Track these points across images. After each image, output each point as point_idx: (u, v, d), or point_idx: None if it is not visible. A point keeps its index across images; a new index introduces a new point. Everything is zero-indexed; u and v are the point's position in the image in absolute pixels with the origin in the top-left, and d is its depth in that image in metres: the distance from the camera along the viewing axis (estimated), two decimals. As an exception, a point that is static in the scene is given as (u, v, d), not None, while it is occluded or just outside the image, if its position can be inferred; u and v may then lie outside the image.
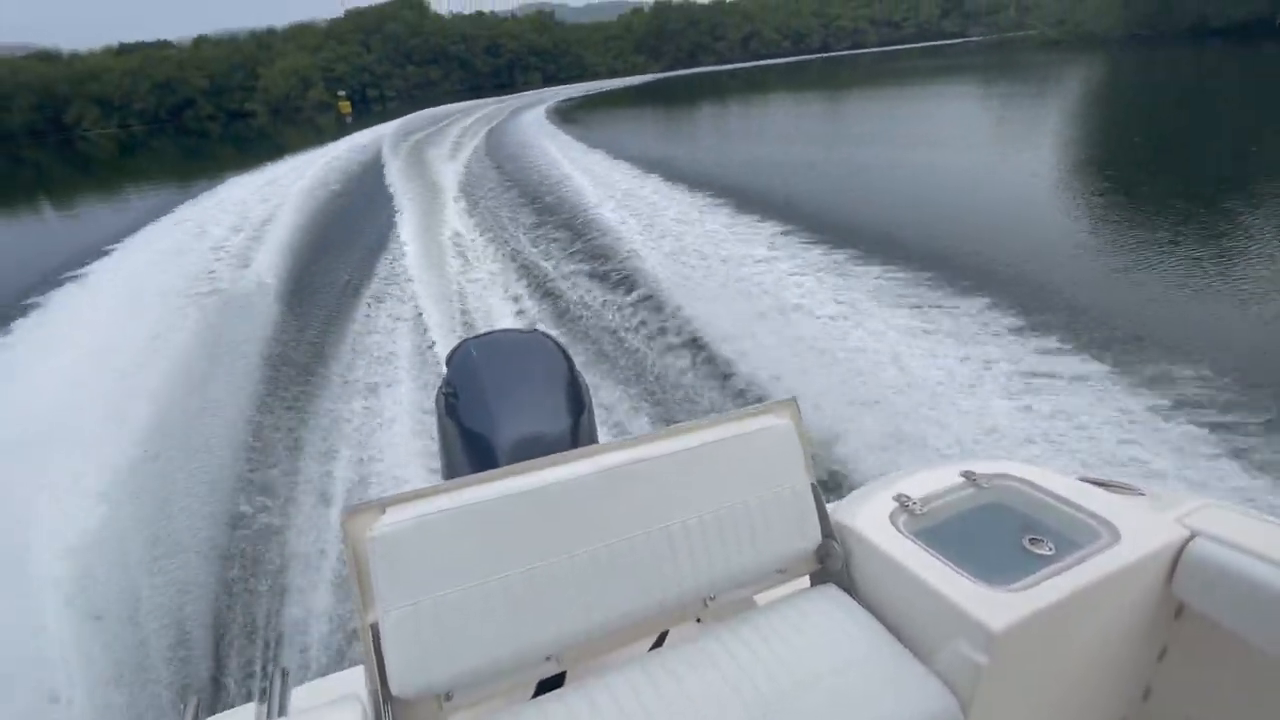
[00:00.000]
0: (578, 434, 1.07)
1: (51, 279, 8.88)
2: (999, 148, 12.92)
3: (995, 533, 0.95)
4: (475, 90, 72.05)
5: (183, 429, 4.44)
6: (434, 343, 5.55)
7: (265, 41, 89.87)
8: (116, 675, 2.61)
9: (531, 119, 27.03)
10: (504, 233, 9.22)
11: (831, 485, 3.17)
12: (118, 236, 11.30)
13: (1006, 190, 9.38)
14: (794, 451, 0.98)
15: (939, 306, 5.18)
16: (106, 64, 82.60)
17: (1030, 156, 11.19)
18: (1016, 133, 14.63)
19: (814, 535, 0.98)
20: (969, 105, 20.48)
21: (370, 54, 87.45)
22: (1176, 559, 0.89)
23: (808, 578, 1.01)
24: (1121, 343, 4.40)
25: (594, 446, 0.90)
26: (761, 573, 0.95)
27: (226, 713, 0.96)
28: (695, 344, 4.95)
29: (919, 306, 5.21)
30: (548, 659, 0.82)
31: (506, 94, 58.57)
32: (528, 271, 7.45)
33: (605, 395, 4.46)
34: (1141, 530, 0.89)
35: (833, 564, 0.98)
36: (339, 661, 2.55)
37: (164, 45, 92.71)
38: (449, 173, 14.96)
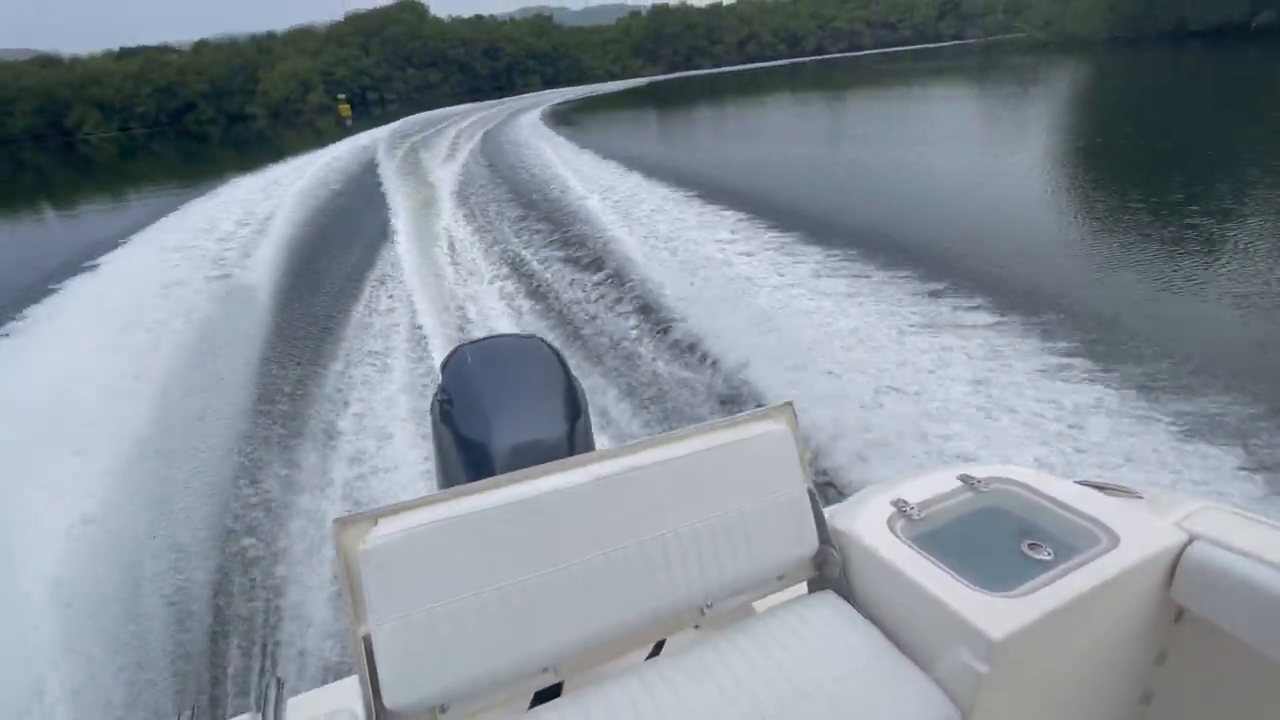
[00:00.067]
0: (574, 439, 1.06)
1: (49, 281, 8.83)
2: (987, 147, 13.19)
3: (994, 537, 0.94)
4: (474, 93, 72.51)
5: (176, 433, 4.41)
6: (429, 348, 5.52)
7: (265, 45, 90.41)
8: (111, 685, 2.58)
9: (528, 121, 27.30)
10: (500, 236, 9.18)
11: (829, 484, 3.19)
12: (116, 240, 11.29)
13: (994, 187, 9.57)
14: (790, 457, 0.96)
15: (952, 314, 5.05)
16: (107, 68, 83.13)
17: (1017, 155, 11.48)
18: (1005, 133, 14.90)
19: (811, 542, 0.97)
20: (958, 107, 20.86)
21: (370, 57, 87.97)
22: (1175, 563, 0.89)
23: (805, 584, 1.01)
24: (1096, 332, 4.54)
25: (589, 454, 0.89)
26: (759, 580, 0.94)
27: None
28: (692, 348, 4.93)
29: (932, 326, 4.96)
30: (544, 670, 0.81)
31: (505, 96, 59.02)
32: (523, 275, 7.41)
33: (602, 399, 4.43)
34: (1140, 534, 0.88)
35: (830, 570, 0.97)
36: (336, 671, 2.52)
37: (165, 49, 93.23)
38: (445, 175, 14.95)
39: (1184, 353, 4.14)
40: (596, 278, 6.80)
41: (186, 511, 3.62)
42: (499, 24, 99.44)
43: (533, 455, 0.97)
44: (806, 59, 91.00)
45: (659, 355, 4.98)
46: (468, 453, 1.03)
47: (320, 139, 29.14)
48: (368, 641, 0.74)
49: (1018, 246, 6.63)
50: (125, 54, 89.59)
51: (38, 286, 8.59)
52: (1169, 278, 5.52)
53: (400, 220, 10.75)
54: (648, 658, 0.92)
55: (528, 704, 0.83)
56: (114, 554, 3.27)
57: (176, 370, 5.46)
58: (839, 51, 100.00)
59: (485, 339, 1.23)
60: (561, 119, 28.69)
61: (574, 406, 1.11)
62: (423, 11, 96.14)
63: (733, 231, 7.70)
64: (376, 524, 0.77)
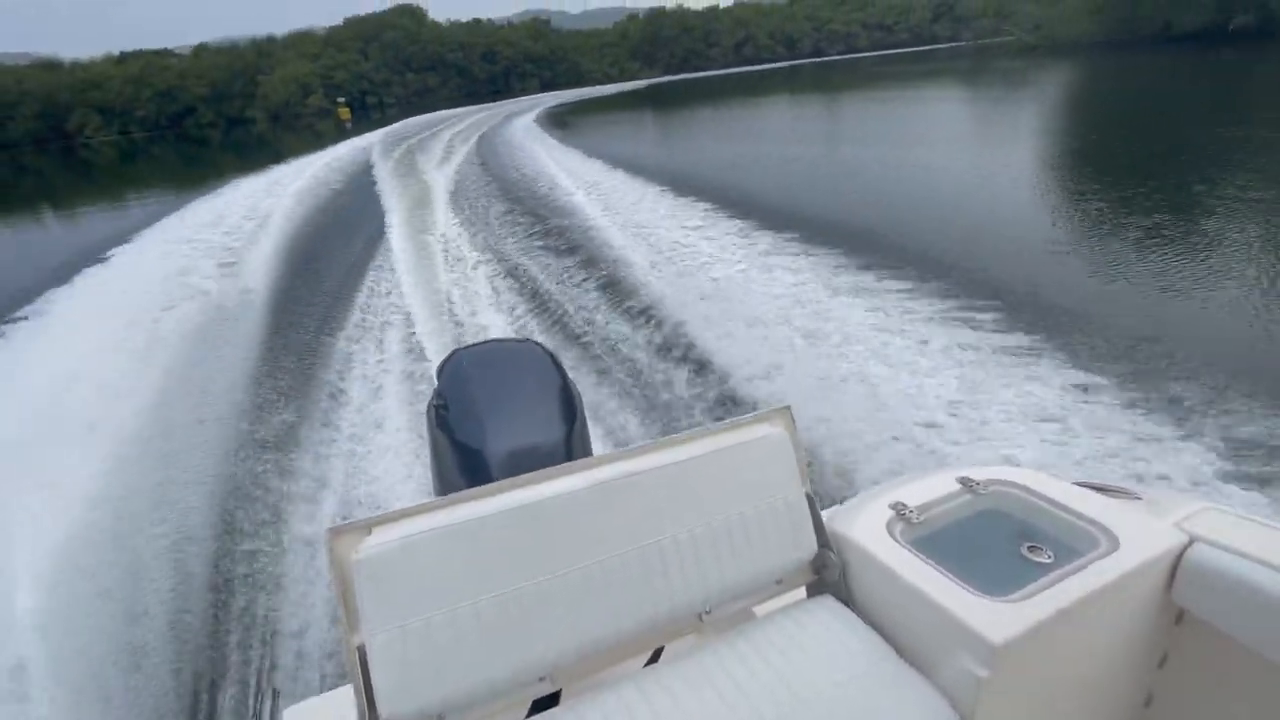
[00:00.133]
0: (571, 444, 1.06)
1: (45, 284, 8.76)
2: (980, 148, 13.45)
3: (993, 540, 0.94)
4: (472, 97, 73.00)
5: (170, 437, 4.39)
6: (425, 353, 5.48)
7: (265, 49, 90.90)
8: (104, 694, 2.55)
9: (524, 124, 27.57)
10: (495, 239, 9.10)
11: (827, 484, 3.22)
12: (109, 245, 11.16)
13: (986, 186, 9.67)
14: (788, 461, 0.96)
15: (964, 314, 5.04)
16: (108, 72, 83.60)
17: (1007, 155, 11.75)
18: (997, 134, 15.18)
19: (810, 546, 0.96)
20: (951, 108, 21.24)
21: (369, 61, 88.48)
22: (1176, 565, 0.88)
23: (804, 589, 1.00)
24: (1055, 319, 4.65)
25: (586, 460, 0.88)
26: (757, 585, 0.94)
27: None
28: (688, 351, 4.92)
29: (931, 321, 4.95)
30: (541, 679, 0.80)
31: (503, 99, 59.48)
32: (519, 278, 7.37)
33: (599, 402, 4.42)
34: (1140, 536, 0.88)
35: (829, 575, 0.97)
36: (332, 681, 2.49)
37: (165, 53, 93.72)
38: (440, 178, 14.81)
39: (1170, 345, 4.18)
40: (593, 281, 6.74)
41: (179, 518, 3.57)
42: (497, 28, 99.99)
43: (530, 460, 0.96)
44: (803, 61, 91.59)
45: (656, 358, 4.93)
46: (464, 458, 1.03)
47: (320, 142, 29.36)
48: (362, 651, 0.74)
49: (1010, 246, 6.72)
50: (125, 58, 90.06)
51: (34, 289, 8.55)
52: (1155, 272, 5.62)
53: (395, 223, 10.71)
54: (646, 664, 0.92)
55: (525, 712, 0.83)
56: (106, 561, 3.22)
57: (173, 373, 5.40)
58: (836, 54, 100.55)
59: (481, 343, 1.22)
60: (557, 121, 29.04)
61: (570, 410, 1.10)
62: (421, 16, 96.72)
63: (733, 234, 7.65)
64: (371, 533, 0.76)
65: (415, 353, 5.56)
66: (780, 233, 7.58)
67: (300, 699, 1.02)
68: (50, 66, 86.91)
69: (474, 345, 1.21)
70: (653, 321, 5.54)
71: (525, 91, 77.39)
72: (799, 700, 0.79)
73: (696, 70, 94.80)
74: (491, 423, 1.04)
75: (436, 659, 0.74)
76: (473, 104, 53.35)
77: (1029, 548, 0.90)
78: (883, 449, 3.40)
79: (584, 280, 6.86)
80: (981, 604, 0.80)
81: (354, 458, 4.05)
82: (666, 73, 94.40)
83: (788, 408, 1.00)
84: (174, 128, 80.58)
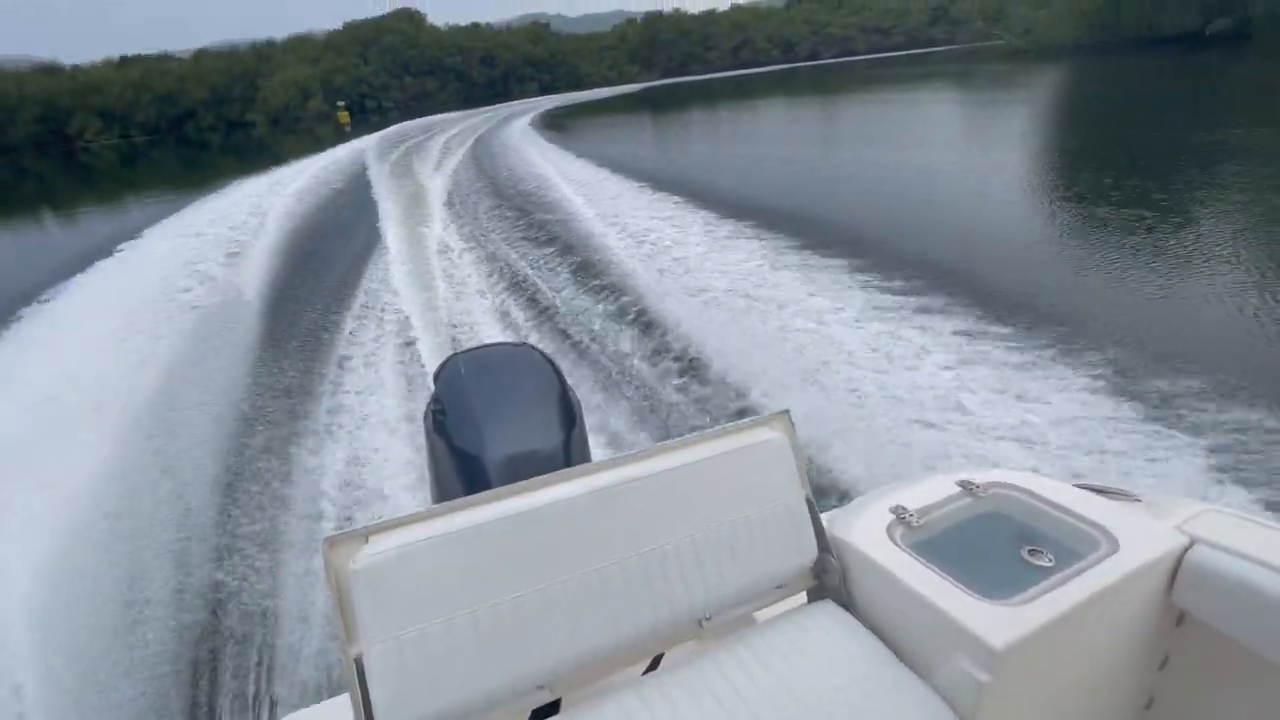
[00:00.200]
0: (570, 449, 1.05)
1: (38, 289, 8.72)
2: (971, 149, 13.64)
3: (994, 543, 0.94)
4: (471, 100, 73.40)
5: (166, 444, 4.34)
6: (422, 358, 5.45)
7: (265, 53, 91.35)
8: (99, 705, 2.52)
9: (520, 127, 27.86)
10: (490, 242, 9.05)
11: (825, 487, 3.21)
12: (110, 246, 11.13)
13: (976, 185, 9.77)
14: (788, 465, 0.96)
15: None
16: (108, 76, 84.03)
17: (997, 155, 11.96)
18: (989, 135, 15.41)
19: (810, 551, 0.96)
20: (944, 110, 21.56)
21: (368, 65, 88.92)
22: (1176, 567, 0.88)
23: (805, 594, 1.00)
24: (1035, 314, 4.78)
25: (585, 466, 0.88)
26: (757, 591, 0.94)
27: None
28: (686, 356, 4.90)
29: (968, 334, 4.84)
30: (541, 687, 0.80)
31: (500, 103, 59.85)
32: (515, 282, 7.33)
33: (598, 406, 4.40)
34: (1141, 538, 0.88)
35: (830, 580, 0.97)
36: (330, 690, 2.47)
37: (165, 57, 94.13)
38: (435, 182, 14.78)
39: (1154, 340, 4.24)
40: (590, 284, 6.71)
41: (175, 526, 3.53)
42: (495, 32, 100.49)
43: (528, 465, 0.97)
44: (800, 64, 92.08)
45: (654, 363, 4.90)
46: (462, 463, 1.02)
47: (319, 145, 29.57)
48: (359, 661, 0.73)
49: (994, 243, 6.86)
50: (126, 62, 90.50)
51: (33, 291, 8.55)
52: (1137, 267, 5.74)
53: (391, 226, 10.66)
54: (646, 671, 0.92)
55: None
56: (103, 565, 3.20)
57: (169, 378, 5.38)
58: (832, 57, 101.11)
59: (478, 348, 1.22)
60: (554, 125, 29.32)
61: (569, 415, 1.10)
62: (420, 20, 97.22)
63: (729, 237, 7.76)
64: (367, 541, 0.76)
65: (412, 357, 5.52)
66: (775, 233, 7.62)
67: (298, 708, 1.02)
68: (51, 71, 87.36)
69: (471, 350, 1.20)
70: (651, 325, 5.50)
71: (524, 95, 77.85)
72: (800, 706, 0.78)
73: (694, 73, 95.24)
74: (489, 428, 1.04)
75: (434, 669, 0.73)
76: (469, 108, 53.72)
77: (1029, 551, 0.89)
78: (886, 448, 3.40)
79: (582, 283, 6.82)
80: (982, 608, 0.80)
81: (351, 464, 4.00)
82: (665, 76, 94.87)
83: (787, 412, 1.00)
84: (174, 131, 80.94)
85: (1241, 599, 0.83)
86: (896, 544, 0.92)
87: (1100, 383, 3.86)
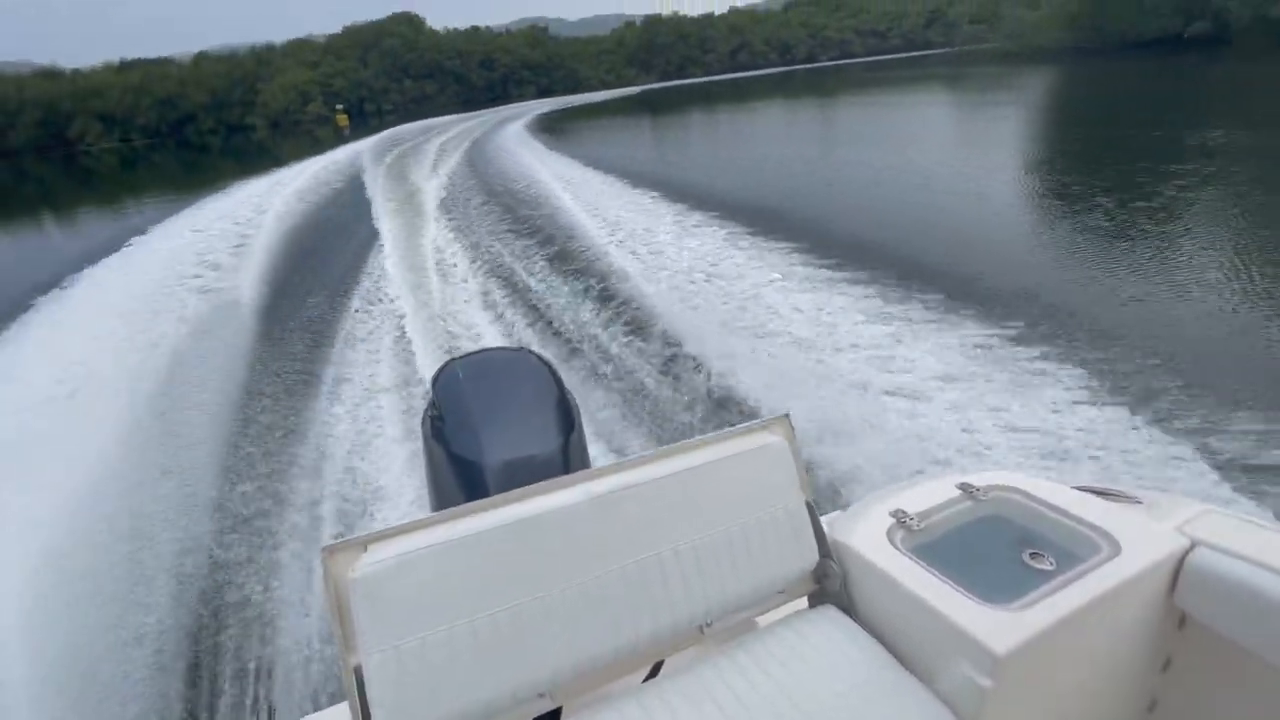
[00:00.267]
0: (569, 454, 1.06)
1: (41, 288, 8.81)
2: (962, 149, 13.89)
3: (994, 547, 0.94)
4: (470, 103, 73.83)
5: (161, 452, 4.30)
6: (419, 364, 5.44)
7: (265, 57, 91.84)
8: (96, 712, 2.51)
9: (516, 130, 28.12)
10: (487, 246, 9.01)
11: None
12: (106, 250, 11.17)
13: (966, 184, 9.90)
14: (788, 469, 0.96)
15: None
16: (109, 80, 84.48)
17: (986, 156, 12.25)
18: (982, 136, 15.69)
19: (811, 555, 0.96)
20: (930, 112, 21.91)
21: (367, 69, 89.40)
22: (1178, 569, 0.89)
23: (806, 599, 1.00)
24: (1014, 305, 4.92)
25: (584, 472, 0.88)
26: (757, 596, 0.94)
27: None
28: (686, 360, 4.89)
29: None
30: (541, 695, 0.80)
31: (499, 106, 60.27)
32: (512, 285, 7.31)
33: (596, 411, 4.40)
34: (1142, 541, 0.88)
35: (831, 584, 0.97)
36: (329, 698, 2.45)
37: (165, 62, 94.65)
38: (431, 185, 14.77)
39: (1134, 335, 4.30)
40: (587, 289, 6.69)
41: (172, 534, 3.50)
42: (494, 35, 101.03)
43: (527, 471, 0.96)
44: (797, 67, 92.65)
45: (653, 366, 4.90)
46: (460, 469, 1.03)
47: (318, 148, 29.84)
48: (358, 671, 0.73)
49: (977, 240, 7.01)
50: (126, 66, 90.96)
51: (31, 292, 8.57)
52: (1117, 263, 5.86)
53: (386, 230, 10.65)
54: (646, 678, 0.92)
55: None
56: (99, 570, 3.18)
57: (165, 383, 5.36)
58: (829, 60, 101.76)
59: (476, 353, 1.23)
60: (551, 127, 29.61)
61: (567, 420, 1.10)
62: (419, 24, 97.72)
63: (725, 242, 7.84)
64: (366, 550, 0.76)
65: (409, 363, 5.50)
66: (770, 236, 7.67)
67: (296, 717, 1.03)
68: (51, 75, 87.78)
69: (469, 355, 1.20)
70: (649, 329, 5.47)
71: (522, 98, 78.26)
72: (800, 712, 0.78)
73: (692, 76, 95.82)
74: (487, 433, 1.04)
75: (434, 678, 0.73)
76: (468, 111, 54.07)
77: (1030, 554, 0.90)
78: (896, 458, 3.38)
79: (578, 287, 6.80)
80: (984, 612, 0.80)
81: (349, 469, 3.99)
82: (662, 79, 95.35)
83: (786, 415, 1.00)
84: (175, 135, 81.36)
85: (1243, 602, 0.83)
86: (897, 548, 0.92)
87: (1091, 379, 3.88)
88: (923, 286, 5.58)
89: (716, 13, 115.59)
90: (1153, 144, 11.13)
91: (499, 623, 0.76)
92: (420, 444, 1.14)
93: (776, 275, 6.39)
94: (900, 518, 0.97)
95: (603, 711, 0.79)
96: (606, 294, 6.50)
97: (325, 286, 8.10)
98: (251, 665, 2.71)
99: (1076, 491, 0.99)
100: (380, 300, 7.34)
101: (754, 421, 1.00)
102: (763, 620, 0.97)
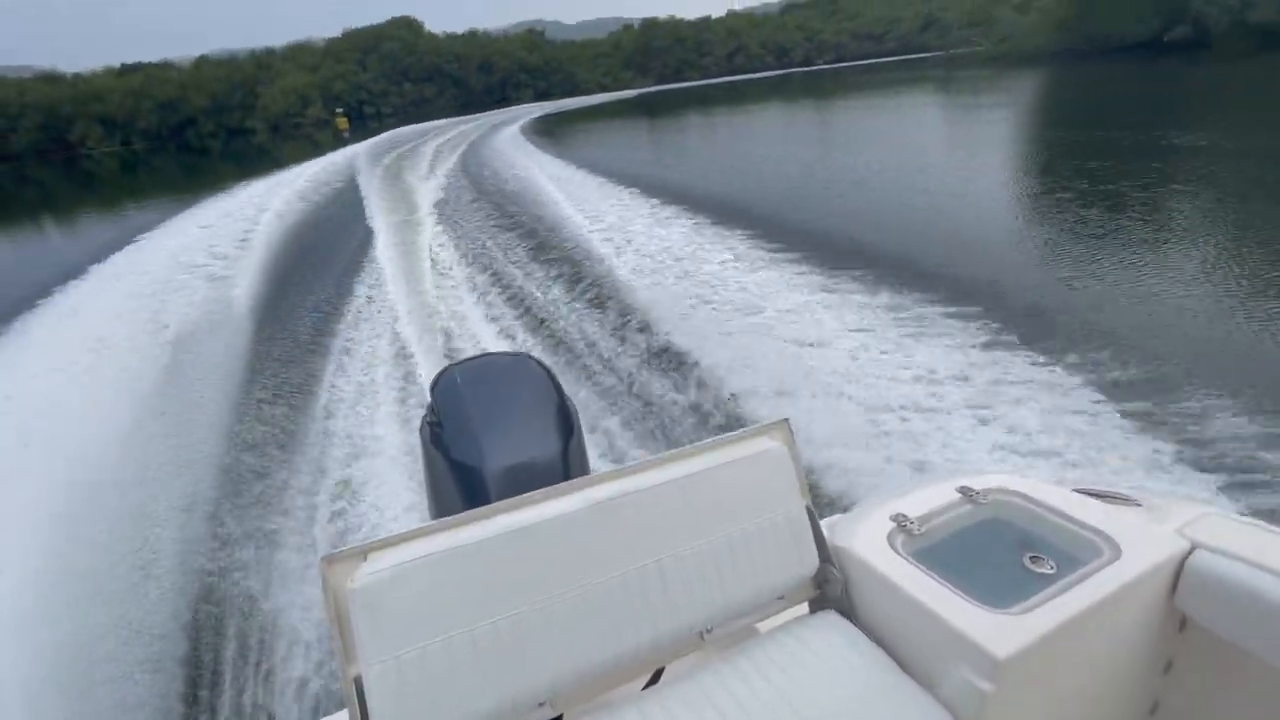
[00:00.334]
0: (568, 459, 1.06)
1: (40, 291, 8.76)
2: (952, 150, 14.21)
3: (995, 551, 0.94)
4: (468, 107, 74.34)
5: (155, 461, 4.25)
6: (417, 370, 5.41)
7: (265, 61, 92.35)
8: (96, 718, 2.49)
9: (511, 133, 28.45)
10: (483, 250, 8.99)
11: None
12: (104, 254, 11.10)
13: (953, 184, 10.16)
14: (788, 475, 0.96)
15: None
16: (109, 84, 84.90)
17: (976, 156, 12.60)
18: (975, 138, 15.99)
19: (811, 561, 0.96)
20: (932, 113, 22.38)
21: (367, 72, 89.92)
22: (1178, 572, 0.89)
23: (807, 605, 1.00)
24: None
25: (584, 479, 0.88)
26: (758, 602, 0.94)
27: None
28: (685, 364, 4.89)
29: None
30: (541, 704, 0.80)
31: (497, 109, 60.79)
32: (509, 290, 7.28)
33: (595, 415, 4.38)
34: (1142, 544, 0.88)
35: (831, 589, 0.97)
36: (328, 707, 2.45)
37: (165, 66, 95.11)
38: (427, 189, 14.76)
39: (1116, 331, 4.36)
40: (584, 292, 6.68)
41: (169, 544, 3.46)
42: (493, 39, 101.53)
43: (527, 476, 0.96)
44: (794, 70, 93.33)
45: (651, 370, 4.90)
46: (460, 476, 1.03)
47: (318, 150, 30.06)
48: (359, 682, 0.73)
49: (957, 235, 7.19)
50: (127, 70, 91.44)
51: (30, 294, 8.54)
52: (1098, 261, 6.02)
53: (381, 234, 10.62)
54: (647, 685, 0.92)
55: None
56: (99, 572, 3.16)
57: (160, 390, 5.31)
58: (825, 63, 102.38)
59: (474, 358, 1.23)
60: (546, 130, 30.02)
61: (567, 425, 1.11)
62: (418, 27, 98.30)
63: (718, 245, 7.93)
64: (365, 559, 0.76)
65: (407, 369, 5.47)
66: (765, 240, 7.72)
67: None
68: (52, 79, 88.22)
69: (467, 360, 1.21)
70: (647, 333, 5.49)
71: (520, 101, 78.72)
72: (802, 718, 0.78)
73: (689, 80, 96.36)
74: (487, 439, 1.04)
75: (434, 688, 0.73)
76: (467, 114, 54.50)
77: (1031, 558, 0.89)
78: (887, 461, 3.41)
79: (575, 291, 6.79)
80: (985, 617, 0.79)
81: (347, 477, 3.96)
82: (660, 82, 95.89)
83: (786, 421, 1.00)
84: (175, 139, 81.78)
85: (1243, 604, 0.83)
86: (898, 552, 0.92)
87: (1077, 376, 3.92)
88: (954, 300, 5.44)
89: (714, 16, 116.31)
90: (1139, 146, 11.40)
91: (499, 631, 0.76)
92: (419, 450, 1.14)
93: (775, 278, 6.43)
94: (900, 522, 0.96)
95: (603, 719, 0.79)
96: (603, 297, 6.47)
97: (322, 291, 8.08)
98: (251, 674, 2.67)
99: (1076, 494, 1.00)
100: (377, 306, 7.27)
101: (753, 427, 0.99)
102: (764, 626, 0.97)
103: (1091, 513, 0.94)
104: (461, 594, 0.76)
